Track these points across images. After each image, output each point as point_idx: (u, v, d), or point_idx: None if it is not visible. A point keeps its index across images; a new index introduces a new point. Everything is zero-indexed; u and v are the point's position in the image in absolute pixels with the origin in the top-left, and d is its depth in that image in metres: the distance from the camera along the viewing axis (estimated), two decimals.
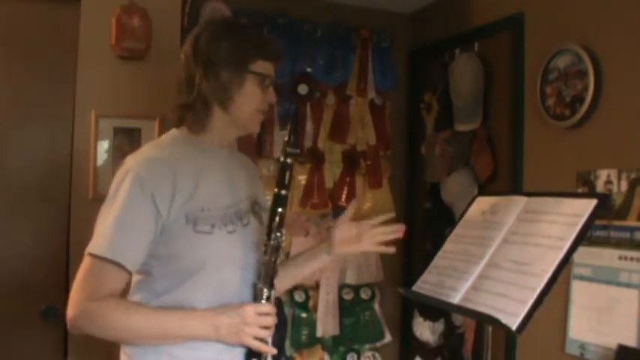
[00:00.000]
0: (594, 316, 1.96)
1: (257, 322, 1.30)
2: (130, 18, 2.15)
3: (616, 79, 1.98)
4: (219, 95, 1.37)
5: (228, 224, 1.36)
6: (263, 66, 1.40)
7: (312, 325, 2.77)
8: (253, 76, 1.38)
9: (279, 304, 2.77)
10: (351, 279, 2.88)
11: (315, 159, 2.81)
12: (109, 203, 1.31)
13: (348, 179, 2.87)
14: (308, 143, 2.81)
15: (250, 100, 1.39)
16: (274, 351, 1.35)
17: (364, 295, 2.89)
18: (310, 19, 2.82)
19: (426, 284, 1.61)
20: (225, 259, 1.36)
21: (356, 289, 2.88)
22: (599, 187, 1.99)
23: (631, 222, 1.88)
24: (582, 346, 2.00)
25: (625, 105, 1.95)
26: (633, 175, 1.90)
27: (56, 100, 2.29)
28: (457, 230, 1.68)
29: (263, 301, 1.35)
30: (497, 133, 2.52)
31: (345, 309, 2.84)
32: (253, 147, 2.69)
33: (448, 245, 1.66)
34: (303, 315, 2.77)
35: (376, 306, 2.93)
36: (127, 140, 2.18)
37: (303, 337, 2.75)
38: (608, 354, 1.90)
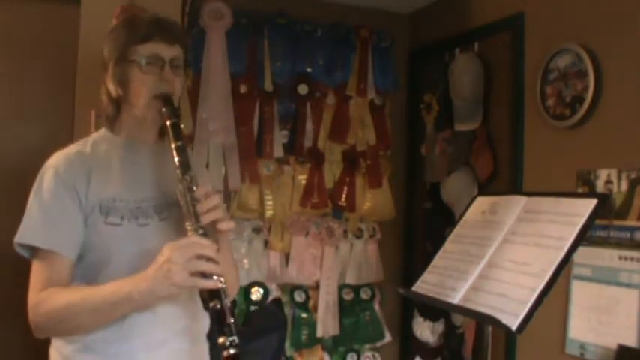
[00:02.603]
0: (594, 316, 1.96)
1: (185, 252, 1.19)
2: None
3: (616, 79, 1.98)
4: (119, 91, 1.39)
5: (139, 217, 1.36)
6: (144, 49, 1.36)
7: (312, 325, 2.77)
8: (132, 64, 1.36)
9: (279, 304, 2.77)
10: (351, 279, 2.88)
11: (315, 159, 2.81)
12: (33, 197, 1.36)
13: (348, 179, 2.87)
14: (308, 143, 2.81)
15: (140, 89, 1.37)
16: (219, 284, 1.21)
17: (364, 295, 2.89)
18: (310, 19, 2.82)
19: (426, 284, 1.61)
20: (136, 253, 1.31)
21: (356, 289, 2.88)
22: (599, 187, 1.99)
23: (631, 222, 1.88)
24: (582, 346, 2.00)
25: (625, 105, 1.95)
26: (633, 175, 1.89)
27: (56, 99, 2.29)
28: (457, 230, 1.68)
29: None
30: (497, 133, 2.52)
31: (345, 309, 2.84)
32: (253, 147, 2.69)
33: (448, 245, 1.67)
34: (303, 315, 2.77)
35: (376, 306, 2.93)
36: None
37: (303, 337, 2.75)
38: (608, 354, 1.90)
